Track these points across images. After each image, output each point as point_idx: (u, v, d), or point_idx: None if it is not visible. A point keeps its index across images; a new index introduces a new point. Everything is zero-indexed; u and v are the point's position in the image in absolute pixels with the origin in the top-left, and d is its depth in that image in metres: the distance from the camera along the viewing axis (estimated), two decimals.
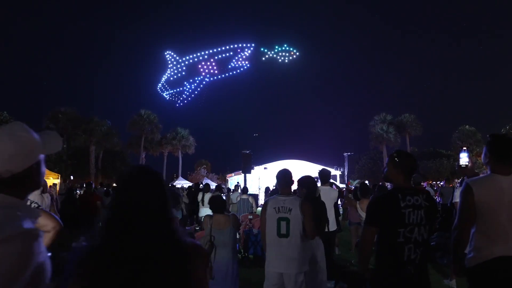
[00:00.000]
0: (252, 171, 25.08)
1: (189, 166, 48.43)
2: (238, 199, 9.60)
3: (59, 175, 25.14)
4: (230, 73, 33.10)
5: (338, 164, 29.09)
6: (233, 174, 30.73)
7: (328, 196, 5.47)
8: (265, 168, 26.23)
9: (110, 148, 38.08)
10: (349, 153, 30.52)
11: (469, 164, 3.03)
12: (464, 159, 2.95)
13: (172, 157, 43.80)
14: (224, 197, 9.36)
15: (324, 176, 5.69)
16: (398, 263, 2.29)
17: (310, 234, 3.34)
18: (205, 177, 39.18)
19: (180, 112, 41.12)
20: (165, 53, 32.75)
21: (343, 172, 28.28)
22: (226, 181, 31.33)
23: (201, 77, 33.13)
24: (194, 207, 9.88)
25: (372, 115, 43.28)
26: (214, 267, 4.09)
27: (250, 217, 8.62)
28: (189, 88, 33.84)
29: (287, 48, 32.54)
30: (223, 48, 32.39)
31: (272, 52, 32.27)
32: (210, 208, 4.39)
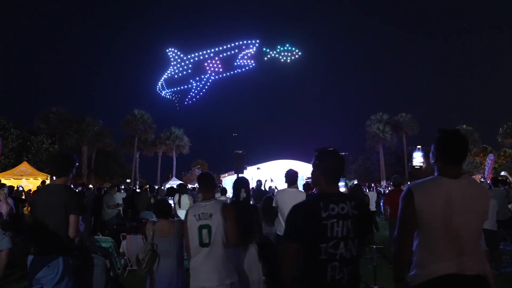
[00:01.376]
0: (245, 171, 24.81)
1: (184, 166, 48.08)
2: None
3: (49, 176, 24.73)
4: (235, 72, 32.84)
5: None
6: (226, 175, 30.39)
7: (294, 199, 5.08)
8: (258, 168, 25.89)
9: (103, 148, 37.66)
10: (342, 153, 29.87)
11: (423, 165, 2.62)
12: (418, 159, 2.52)
13: (167, 157, 43.44)
14: None
15: (290, 177, 5.28)
16: (321, 285, 1.90)
17: (232, 240, 2.97)
18: None
19: (175, 112, 40.73)
20: (167, 50, 32.39)
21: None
22: (220, 182, 30.99)
23: (207, 75, 32.87)
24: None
25: (369, 114, 43.05)
26: (156, 278, 3.71)
27: None
28: (196, 86, 33.55)
29: (289, 48, 32.35)
30: (228, 46, 32.11)
31: (274, 52, 32.04)
32: (154, 212, 4.02)
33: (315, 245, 1.89)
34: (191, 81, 33.16)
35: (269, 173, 25.26)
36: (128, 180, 29.30)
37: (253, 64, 31.89)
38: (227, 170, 32.32)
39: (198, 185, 3.37)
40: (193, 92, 33.69)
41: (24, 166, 24.07)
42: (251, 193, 4.88)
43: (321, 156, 2.08)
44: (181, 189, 9.24)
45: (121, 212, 10.46)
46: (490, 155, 27.14)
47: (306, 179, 26.25)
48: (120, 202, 10.32)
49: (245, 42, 31.40)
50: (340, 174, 2.06)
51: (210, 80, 33.28)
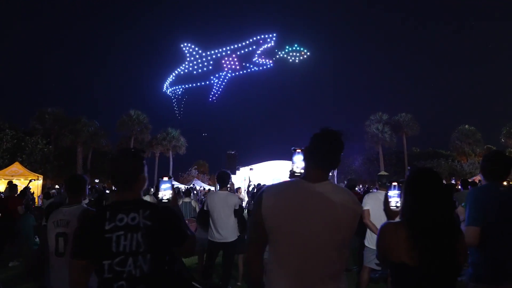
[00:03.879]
0: (237, 171, 24.47)
1: (181, 167, 47.85)
2: (181, 202, 8.84)
3: (41, 176, 24.64)
4: (253, 69, 32.64)
5: None
6: None
7: (224, 202, 4.68)
8: (251, 169, 25.53)
9: (98, 149, 37.61)
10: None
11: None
12: (298, 163, 2.11)
13: (164, 158, 43.26)
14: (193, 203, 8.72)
15: (220, 179, 4.86)
16: None
17: None
18: (195, 178, 38.61)
19: (171, 113, 40.50)
20: (182, 46, 32.22)
21: (333, 173, 27.44)
22: (215, 182, 30.72)
23: (224, 72, 32.76)
24: None
25: (368, 114, 42.47)
26: None
27: (185, 221, 7.87)
28: (217, 83, 33.43)
29: (298, 48, 32.16)
30: (245, 43, 31.89)
31: (283, 52, 31.90)
32: None
33: (99, 262, 1.63)
34: (211, 77, 33.05)
35: (262, 174, 24.92)
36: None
37: (271, 64, 31.68)
38: None
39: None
40: (215, 89, 33.58)
41: (16, 166, 23.96)
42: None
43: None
44: (144, 191, 8.87)
45: None
46: None
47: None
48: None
49: (262, 36, 31.14)
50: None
51: (227, 78, 33.16)
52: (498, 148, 42.20)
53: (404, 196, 1.86)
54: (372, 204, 4.43)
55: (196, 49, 32.25)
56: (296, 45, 32.44)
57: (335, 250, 1.65)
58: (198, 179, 38.17)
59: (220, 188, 4.85)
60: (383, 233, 1.79)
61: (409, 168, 1.90)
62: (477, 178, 27.39)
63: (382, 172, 5.40)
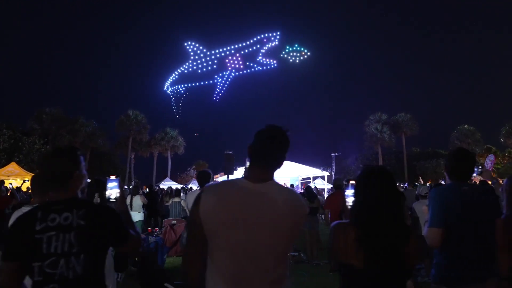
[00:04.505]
0: (235, 172, 24.38)
1: (180, 167, 47.77)
2: (170, 202, 8.77)
3: None
4: (256, 69, 32.64)
5: (326, 165, 28.13)
6: (219, 175, 30.04)
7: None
8: None
9: (97, 149, 37.55)
10: (336, 154, 29.53)
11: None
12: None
13: (163, 158, 43.22)
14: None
15: (200, 178, 4.70)
16: None
17: None
18: (194, 178, 38.53)
19: (170, 113, 40.50)
20: (186, 44, 32.16)
21: (330, 173, 27.37)
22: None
23: (228, 71, 32.73)
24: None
25: (367, 114, 42.42)
26: None
27: (174, 222, 7.76)
28: (220, 82, 33.41)
29: (298, 48, 32.16)
30: (249, 42, 31.86)
31: (283, 52, 31.91)
32: None
33: (29, 265, 1.56)
34: (216, 76, 33.02)
35: None
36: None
37: (275, 64, 31.69)
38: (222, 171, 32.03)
39: None
40: (219, 88, 33.57)
41: (12, 166, 23.92)
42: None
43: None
44: (134, 191, 8.80)
45: None
46: (490, 155, 26.37)
47: (301, 180, 25.80)
48: None
49: (266, 35, 31.13)
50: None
51: (231, 77, 33.16)
52: (498, 148, 42.16)
53: (354, 195, 1.80)
54: None
55: (201, 47, 32.20)
56: (296, 45, 32.50)
57: (277, 254, 1.56)
58: (196, 179, 37.99)
59: (200, 188, 4.74)
60: (333, 233, 1.74)
61: (361, 166, 1.84)
62: (477, 178, 27.26)
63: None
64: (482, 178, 9.96)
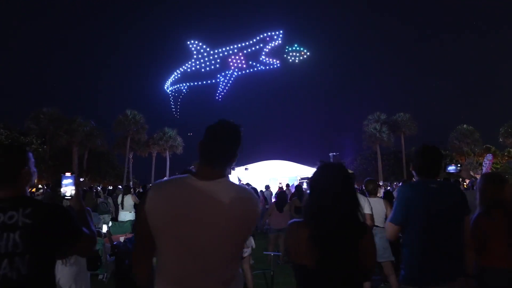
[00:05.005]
0: (232, 171, 24.28)
1: (179, 167, 47.64)
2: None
3: None
4: (259, 68, 32.60)
5: None
6: None
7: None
8: (246, 168, 25.35)
9: (95, 149, 37.46)
10: (334, 153, 29.42)
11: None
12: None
13: (162, 158, 43.12)
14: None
15: None
16: None
17: None
18: None
19: (168, 112, 40.31)
20: (188, 43, 32.08)
21: None
22: None
23: (231, 70, 32.66)
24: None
25: (366, 114, 42.39)
26: None
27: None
28: (223, 81, 33.34)
29: (298, 48, 32.12)
30: (252, 41, 31.80)
31: (285, 52, 31.83)
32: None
33: None
34: (218, 76, 32.94)
35: (258, 174, 24.72)
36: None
37: (278, 64, 31.64)
38: None
39: None
40: (221, 88, 33.51)
41: None
42: None
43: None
44: (125, 190, 8.69)
45: None
46: (488, 155, 26.22)
47: (299, 180, 25.67)
48: None
49: (268, 34, 31.09)
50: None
51: (234, 76, 33.08)
52: (497, 148, 42.12)
53: (308, 192, 1.72)
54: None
55: (204, 46, 32.09)
56: (296, 45, 32.41)
57: (224, 255, 1.48)
58: None
59: None
60: (287, 232, 1.67)
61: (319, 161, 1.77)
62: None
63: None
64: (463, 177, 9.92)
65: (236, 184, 1.61)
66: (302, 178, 27.47)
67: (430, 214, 2.26)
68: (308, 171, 25.59)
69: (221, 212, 1.46)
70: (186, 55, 33.76)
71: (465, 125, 41.69)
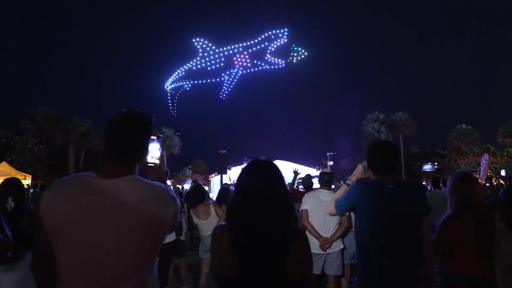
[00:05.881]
0: (228, 171, 24.15)
1: (176, 167, 47.46)
2: None
3: (29, 176, 24.24)
4: (264, 67, 32.48)
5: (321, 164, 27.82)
6: (213, 175, 29.86)
7: None
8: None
9: (91, 149, 37.23)
10: (332, 153, 29.19)
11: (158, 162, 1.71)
12: (155, 152, 1.62)
13: None
14: None
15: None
16: None
17: None
18: (189, 178, 38.27)
19: (166, 112, 40.14)
20: (194, 40, 31.87)
21: None
22: (209, 182, 30.50)
23: (235, 69, 32.49)
24: None
25: (365, 114, 42.20)
26: None
27: None
28: (227, 80, 33.18)
29: (296, 48, 32.03)
30: (257, 40, 31.67)
31: (287, 51, 31.74)
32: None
33: None
34: (223, 74, 32.77)
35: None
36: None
37: (283, 64, 31.53)
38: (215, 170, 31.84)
39: None
40: (225, 86, 33.36)
41: (3, 166, 23.60)
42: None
43: None
44: None
45: None
46: (485, 155, 26.06)
47: (297, 179, 25.55)
48: None
49: (273, 32, 30.95)
50: None
51: (238, 75, 32.92)
52: (496, 148, 41.94)
53: (233, 193, 1.56)
54: (311, 204, 4.06)
55: (210, 44, 31.88)
56: (294, 45, 32.35)
57: (130, 260, 1.28)
58: (192, 179, 37.80)
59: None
60: (211, 237, 1.50)
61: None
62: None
63: (325, 170, 4.93)
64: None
65: (146, 182, 1.40)
66: (300, 178, 27.31)
67: (385, 216, 2.07)
68: (306, 170, 25.39)
69: (122, 213, 1.27)
70: (189, 54, 33.62)
71: (464, 125, 41.57)
